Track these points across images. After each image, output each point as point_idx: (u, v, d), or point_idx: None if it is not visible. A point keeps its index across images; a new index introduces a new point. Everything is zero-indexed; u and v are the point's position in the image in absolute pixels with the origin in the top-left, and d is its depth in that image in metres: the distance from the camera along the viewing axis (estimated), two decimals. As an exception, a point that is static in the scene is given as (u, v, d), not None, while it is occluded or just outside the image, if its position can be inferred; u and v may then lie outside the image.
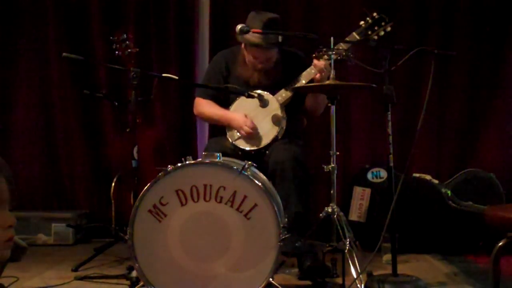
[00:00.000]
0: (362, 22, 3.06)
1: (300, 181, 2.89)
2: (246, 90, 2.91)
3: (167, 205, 2.37)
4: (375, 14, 3.06)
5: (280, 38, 3.01)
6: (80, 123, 4.20)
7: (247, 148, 3.05)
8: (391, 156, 2.64)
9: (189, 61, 4.14)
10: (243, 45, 3.12)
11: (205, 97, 3.23)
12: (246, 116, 3.05)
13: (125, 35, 3.42)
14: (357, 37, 3.02)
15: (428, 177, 3.68)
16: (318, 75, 2.97)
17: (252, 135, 3.04)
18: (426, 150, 4.00)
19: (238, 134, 3.09)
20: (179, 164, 2.40)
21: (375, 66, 2.71)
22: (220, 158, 2.43)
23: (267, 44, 3.00)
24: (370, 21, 3.05)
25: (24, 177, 4.13)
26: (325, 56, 2.88)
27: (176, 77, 3.05)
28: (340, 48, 2.87)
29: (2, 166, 1.21)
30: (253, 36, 2.97)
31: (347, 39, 2.99)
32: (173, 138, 4.11)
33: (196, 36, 4.17)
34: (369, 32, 3.04)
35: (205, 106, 3.24)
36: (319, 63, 2.95)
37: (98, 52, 4.11)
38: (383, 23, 3.05)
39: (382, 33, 3.05)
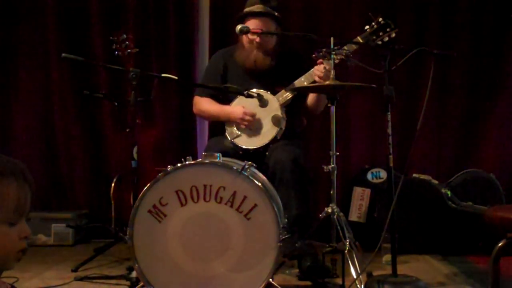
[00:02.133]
0: (367, 27, 3.01)
1: (300, 183, 2.89)
2: (245, 90, 2.91)
3: (167, 206, 2.37)
4: (380, 19, 3.00)
5: (276, 13, 3.12)
6: (80, 123, 4.19)
7: (246, 147, 3.05)
8: (391, 156, 2.64)
9: (189, 61, 4.14)
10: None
11: (203, 95, 3.25)
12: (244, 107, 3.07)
13: (125, 35, 3.42)
14: (361, 41, 2.98)
15: (428, 177, 3.68)
16: (320, 77, 2.97)
17: (252, 125, 3.04)
18: (426, 150, 4.00)
19: (237, 131, 3.09)
20: (179, 164, 2.39)
21: (375, 66, 2.70)
22: (220, 158, 2.42)
23: (265, 11, 3.11)
24: (375, 26, 3.00)
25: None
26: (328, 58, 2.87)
27: (176, 77, 3.05)
28: (345, 49, 2.84)
29: (28, 178, 1.21)
30: (252, 8, 3.10)
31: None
32: (173, 138, 4.11)
33: (196, 36, 4.17)
34: (374, 37, 2.99)
35: (204, 104, 3.25)
36: (322, 65, 2.94)
37: (98, 52, 4.10)
38: (388, 29, 3.00)
39: (386, 39, 3.01)
